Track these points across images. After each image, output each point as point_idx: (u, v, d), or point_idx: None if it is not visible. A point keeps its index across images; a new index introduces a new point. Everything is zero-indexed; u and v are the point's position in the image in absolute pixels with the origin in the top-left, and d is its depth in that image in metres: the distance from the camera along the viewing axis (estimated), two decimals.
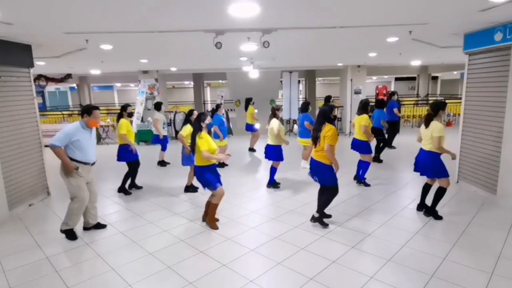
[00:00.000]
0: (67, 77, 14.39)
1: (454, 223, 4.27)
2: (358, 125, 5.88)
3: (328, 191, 4.23)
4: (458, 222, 4.20)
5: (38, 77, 13.32)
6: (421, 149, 4.46)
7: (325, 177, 4.13)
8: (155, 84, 11.99)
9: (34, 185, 5.54)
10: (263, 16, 4.17)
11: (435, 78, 22.14)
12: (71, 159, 3.92)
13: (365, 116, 5.82)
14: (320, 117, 4.19)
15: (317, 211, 4.33)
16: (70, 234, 4.09)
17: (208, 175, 4.16)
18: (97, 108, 4.13)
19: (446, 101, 14.72)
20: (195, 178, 4.61)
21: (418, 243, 3.81)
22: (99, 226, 4.42)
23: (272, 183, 6.00)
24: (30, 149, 5.47)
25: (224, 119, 7.56)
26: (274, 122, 5.72)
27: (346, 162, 6.05)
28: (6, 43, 5.01)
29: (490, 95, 5.10)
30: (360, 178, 5.97)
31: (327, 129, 4.01)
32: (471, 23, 4.91)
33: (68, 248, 3.90)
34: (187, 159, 5.66)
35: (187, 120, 5.68)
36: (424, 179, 4.65)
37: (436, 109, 4.27)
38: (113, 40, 5.72)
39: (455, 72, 18.67)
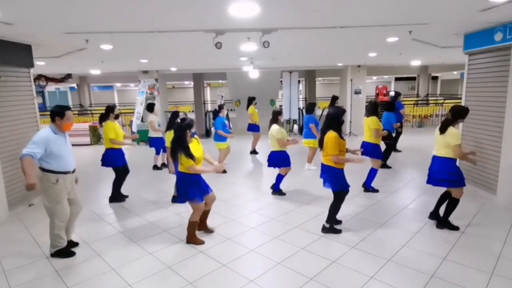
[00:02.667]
0: (67, 77, 14.38)
1: (454, 223, 4.26)
2: (368, 127, 5.54)
3: (336, 196, 3.99)
4: (458, 222, 4.20)
5: (38, 77, 13.30)
6: (434, 156, 4.04)
7: (335, 181, 3.90)
8: (155, 84, 11.98)
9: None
10: (263, 16, 4.17)
11: (435, 78, 22.15)
12: (48, 170, 3.49)
13: (374, 118, 5.51)
14: (328, 120, 3.94)
15: (327, 221, 4.11)
16: (65, 253, 3.69)
17: (193, 185, 3.68)
18: (69, 108, 3.65)
19: (446, 101, 14.81)
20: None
21: (418, 243, 3.81)
22: (72, 244, 3.88)
23: (277, 191, 5.64)
24: None
25: (226, 121, 7.22)
26: (275, 129, 5.35)
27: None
28: (6, 43, 5.01)
29: (490, 95, 5.10)
30: (367, 186, 5.67)
31: (329, 137, 3.80)
32: (471, 23, 4.91)
33: None
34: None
35: (170, 124, 4.97)
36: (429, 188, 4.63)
37: (456, 116, 3.90)
38: (113, 40, 5.72)
39: (455, 72, 18.66)
